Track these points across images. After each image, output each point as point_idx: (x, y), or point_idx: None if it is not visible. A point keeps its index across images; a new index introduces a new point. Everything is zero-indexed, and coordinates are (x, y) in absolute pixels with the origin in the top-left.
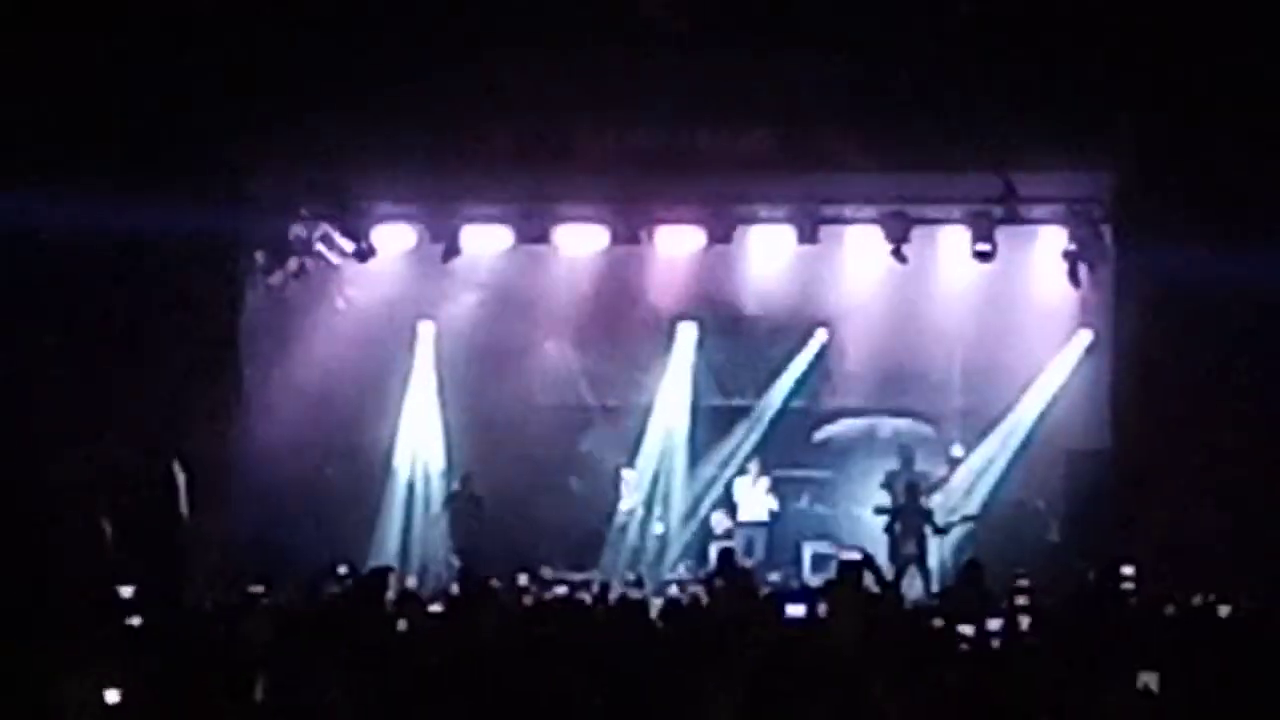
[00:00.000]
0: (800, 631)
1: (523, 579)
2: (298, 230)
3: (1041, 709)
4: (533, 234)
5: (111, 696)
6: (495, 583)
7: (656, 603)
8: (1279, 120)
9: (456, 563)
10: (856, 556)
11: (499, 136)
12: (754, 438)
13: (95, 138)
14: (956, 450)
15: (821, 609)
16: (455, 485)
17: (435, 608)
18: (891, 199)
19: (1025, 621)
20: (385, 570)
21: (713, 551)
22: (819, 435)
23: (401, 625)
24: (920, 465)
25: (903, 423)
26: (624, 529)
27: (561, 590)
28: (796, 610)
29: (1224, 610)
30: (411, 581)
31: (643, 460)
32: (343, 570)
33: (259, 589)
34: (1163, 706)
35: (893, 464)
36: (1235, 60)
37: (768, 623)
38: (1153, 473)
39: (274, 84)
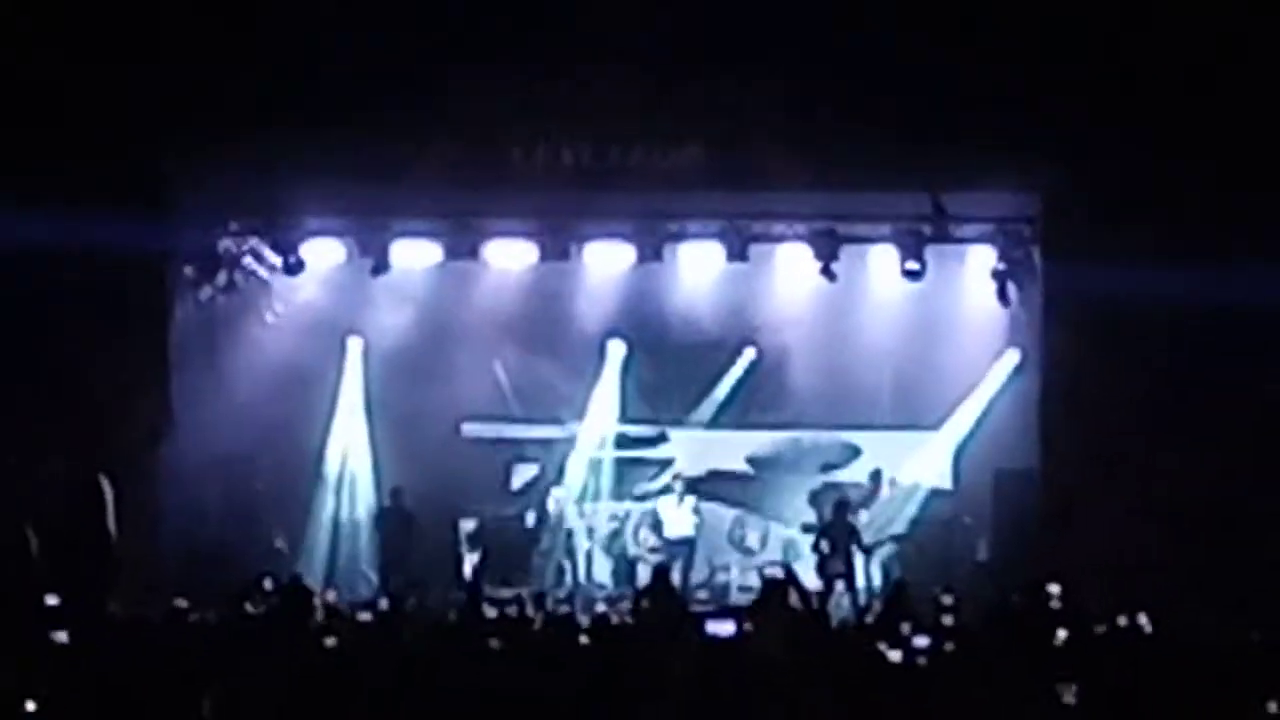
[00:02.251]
0: (726, 649)
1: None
2: (227, 244)
3: None
4: (462, 250)
5: (29, 706)
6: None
7: (585, 620)
8: (1204, 139)
9: (374, 578)
10: (780, 574)
11: (429, 151)
12: (682, 455)
13: (25, 150)
14: (880, 468)
15: (748, 627)
16: (386, 501)
17: (364, 617)
18: (821, 217)
19: (951, 640)
20: (307, 584)
21: (640, 569)
22: (747, 453)
23: (330, 641)
24: (846, 484)
25: (827, 441)
26: (552, 546)
27: (489, 607)
28: (724, 628)
29: (1149, 628)
30: (331, 595)
31: (571, 477)
32: (268, 585)
33: (183, 603)
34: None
35: (819, 482)
36: (1162, 80)
37: (693, 641)
38: (1080, 491)
39: (204, 96)
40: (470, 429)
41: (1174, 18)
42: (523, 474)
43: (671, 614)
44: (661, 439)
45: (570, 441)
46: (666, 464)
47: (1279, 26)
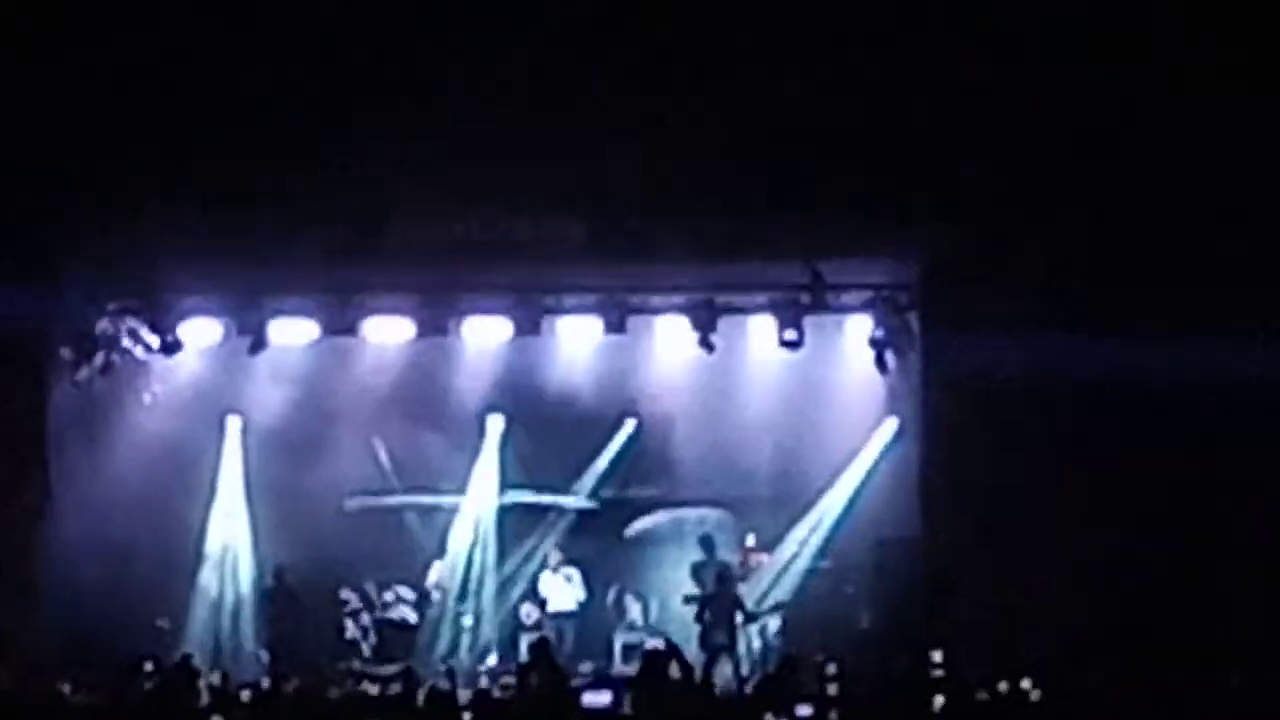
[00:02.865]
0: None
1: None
2: (104, 325)
3: None
4: (340, 326)
5: None
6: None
7: (466, 695)
8: (1086, 207)
9: (265, 657)
10: (661, 646)
11: (306, 229)
12: (562, 528)
13: None
14: (749, 540)
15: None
16: (269, 580)
17: (245, 696)
18: (699, 288)
19: (835, 709)
20: (191, 666)
21: (523, 642)
22: (629, 530)
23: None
24: (723, 555)
25: (707, 513)
26: (434, 621)
27: (370, 685)
28: (600, 699)
29: (1034, 694)
30: (215, 678)
31: (451, 552)
32: (149, 666)
33: (65, 686)
34: None
35: (700, 554)
36: (1037, 150)
37: (575, 713)
38: (960, 558)
39: (81, 175)
40: (352, 502)
41: (1057, 83)
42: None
43: (552, 687)
44: (542, 513)
45: (451, 513)
46: (547, 538)
47: (1165, 92)
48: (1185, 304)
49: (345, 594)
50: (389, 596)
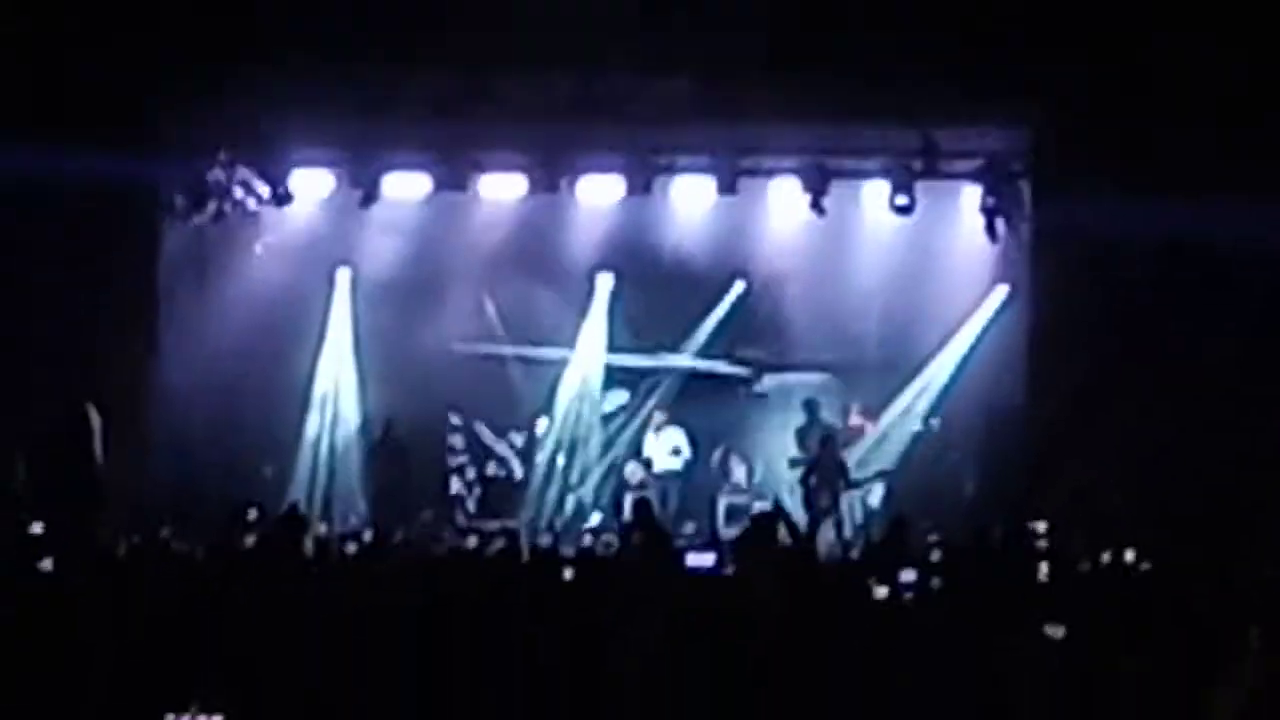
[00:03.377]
0: (708, 582)
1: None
2: (215, 174)
3: (950, 661)
4: (452, 181)
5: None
6: (404, 532)
7: (569, 552)
8: (1191, 77)
9: (362, 506)
10: (770, 509)
11: (418, 84)
12: (668, 388)
13: (13, 83)
14: (855, 408)
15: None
16: (378, 432)
17: (351, 549)
18: (810, 151)
19: (938, 575)
20: (298, 515)
21: (627, 502)
22: (740, 391)
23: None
24: (829, 419)
25: (814, 377)
26: (541, 478)
27: (474, 540)
28: (704, 561)
29: (1138, 566)
30: (321, 528)
31: (559, 409)
32: (253, 515)
33: (168, 533)
34: (1067, 655)
35: (805, 417)
36: (1151, 16)
37: (674, 574)
38: (1068, 429)
39: (190, 27)
40: (461, 347)
41: None
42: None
43: (654, 547)
44: (650, 372)
45: (559, 366)
46: (654, 397)
47: None
48: None
49: (453, 441)
50: (500, 447)
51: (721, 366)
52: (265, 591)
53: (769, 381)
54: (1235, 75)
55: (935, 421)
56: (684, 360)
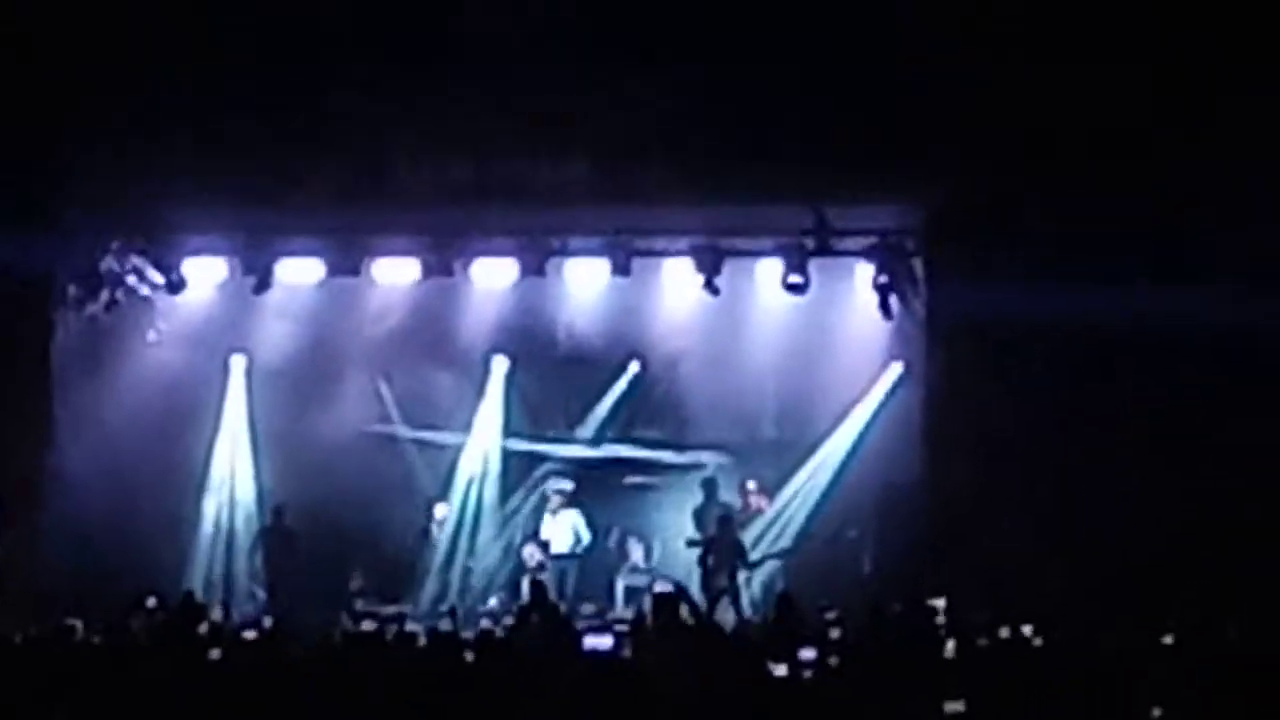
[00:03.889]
0: (606, 664)
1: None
2: (109, 263)
3: None
4: (346, 266)
5: None
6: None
7: (467, 635)
8: (1087, 157)
9: (261, 595)
10: (670, 589)
11: (312, 169)
12: (564, 470)
13: None
14: (750, 485)
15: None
16: (268, 519)
17: (249, 635)
18: (705, 231)
19: (837, 654)
20: (195, 603)
21: (525, 584)
22: (629, 480)
23: (214, 654)
24: (726, 498)
25: (710, 457)
26: (437, 562)
27: (370, 624)
28: (602, 643)
29: (1036, 640)
30: (217, 614)
31: (455, 492)
32: (151, 602)
33: (73, 622)
34: None
35: (702, 497)
36: (1045, 94)
37: (572, 656)
38: (965, 503)
39: (86, 114)
40: (359, 430)
41: (1061, 27)
42: (405, 488)
43: (550, 629)
44: (546, 454)
45: (454, 452)
46: (549, 479)
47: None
48: (1192, 254)
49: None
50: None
51: (618, 450)
52: (163, 679)
53: (668, 458)
54: (1131, 158)
55: (828, 509)
56: (579, 446)
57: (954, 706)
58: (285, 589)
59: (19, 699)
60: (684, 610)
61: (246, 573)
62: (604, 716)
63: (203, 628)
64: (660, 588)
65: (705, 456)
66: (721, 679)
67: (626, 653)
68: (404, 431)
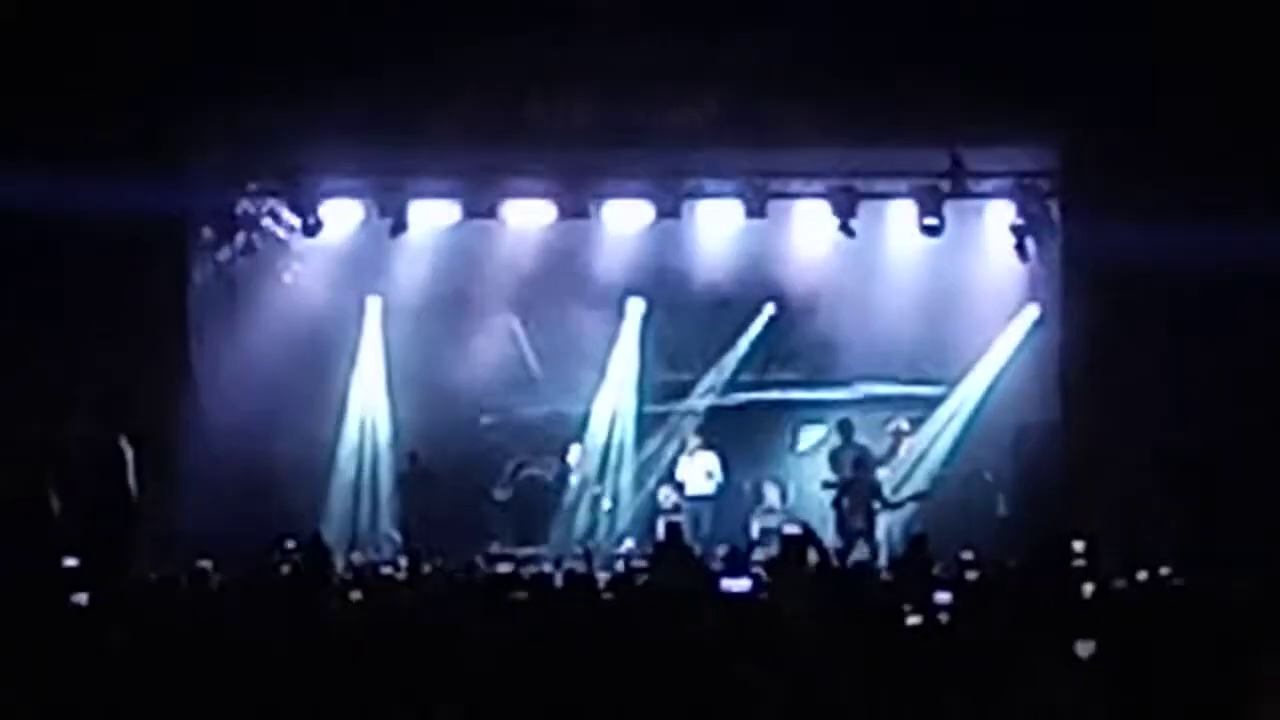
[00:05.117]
0: (742, 606)
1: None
2: (245, 205)
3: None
4: (481, 209)
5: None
6: (439, 559)
7: (603, 577)
8: (1224, 96)
9: (396, 536)
10: (799, 531)
11: (446, 112)
12: (700, 412)
13: (44, 114)
14: (901, 425)
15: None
16: (405, 464)
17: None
18: (839, 173)
19: (973, 596)
20: (322, 543)
21: (660, 526)
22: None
23: (355, 595)
24: (862, 440)
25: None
26: (573, 504)
27: (507, 566)
28: (739, 585)
29: (1175, 582)
30: (357, 556)
31: (591, 435)
32: (289, 545)
33: (206, 564)
34: (1095, 674)
35: (839, 439)
36: (1185, 36)
37: (709, 597)
38: (1101, 446)
39: (219, 58)
40: (494, 372)
41: None
42: (542, 429)
43: (686, 571)
44: (681, 396)
45: (591, 399)
46: (686, 420)
47: None
48: None
49: (486, 467)
50: (533, 472)
51: (754, 393)
52: (299, 617)
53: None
54: (1268, 94)
55: (989, 476)
56: (718, 383)
57: (1086, 647)
58: (422, 531)
59: (153, 639)
60: (811, 552)
61: (386, 516)
62: (740, 657)
63: (337, 568)
64: (789, 529)
65: (842, 396)
66: (852, 621)
67: (764, 595)
68: (540, 373)
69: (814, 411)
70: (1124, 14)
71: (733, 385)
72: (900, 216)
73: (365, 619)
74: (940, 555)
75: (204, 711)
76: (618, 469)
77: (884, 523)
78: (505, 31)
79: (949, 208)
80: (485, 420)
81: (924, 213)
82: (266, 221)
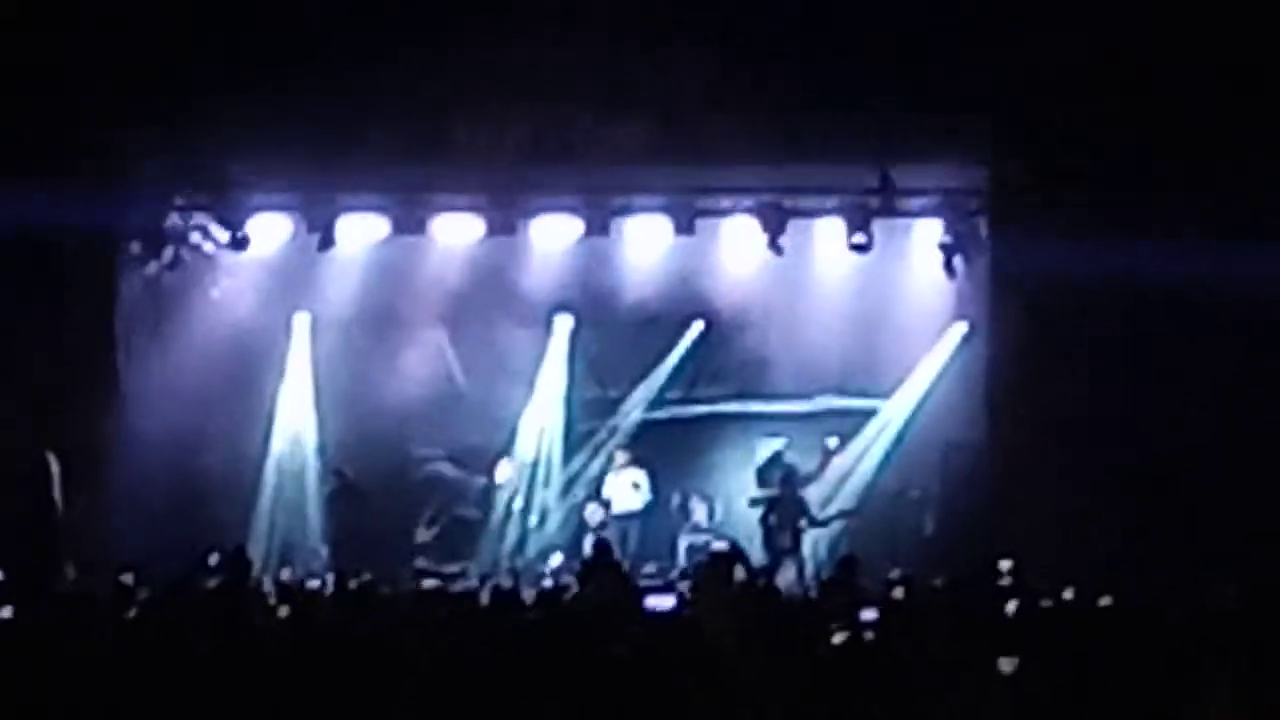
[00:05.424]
0: (667, 624)
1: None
2: (173, 220)
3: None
4: (409, 224)
5: None
6: (366, 575)
7: (529, 594)
8: (1151, 112)
9: (324, 552)
10: (726, 548)
11: (375, 127)
12: (627, 428)
13: None
14: (831, 442)
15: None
16: (332, 478)
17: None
18: (768, 190)
19: (899, 615)
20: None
21: (587, 543)
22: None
23: (283, 611)
24: (792, 458)
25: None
26: (499, 520)
27: (432, 582)
28: (664, 603)
29: (1101, 602)
30: (285, 573)
31: (518, 451)
32: (214, 560)
33: (129, 578)
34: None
35: (765, 456)
36: (1109, 51)
37: (634, 615)
38: (1028, 464)
39: (150, 70)
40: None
41: None
42: (469, 446)
43: (613, 588)
44: (608, 413)
45: (517, 416)
46: (612, 438)
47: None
48: (1259, 212)
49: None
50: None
51: (680, 409)
52: (222, 631)
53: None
54: (1197, 114)
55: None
56: (644, 401)
57: (1009, 663)
58: (350, 547)
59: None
60: (739, 570)
61: (314, 531)
62: (664, 675)
63: (264, 582)
64: (716, 547)
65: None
66: (777, 640)
67: (688, 613)
68: (467, 390)
69: (743, 426)
70: (1052, 31)
71: (660, 402)
72: (829, 234)
73: (291, 634)
74: (867, 573)
75: None
76: (545, 485)
77: (810, 540)
78: (434, 47)
79: (877, 225)
80: (412, 435)
81: (852, 230)
82: (194, 236)
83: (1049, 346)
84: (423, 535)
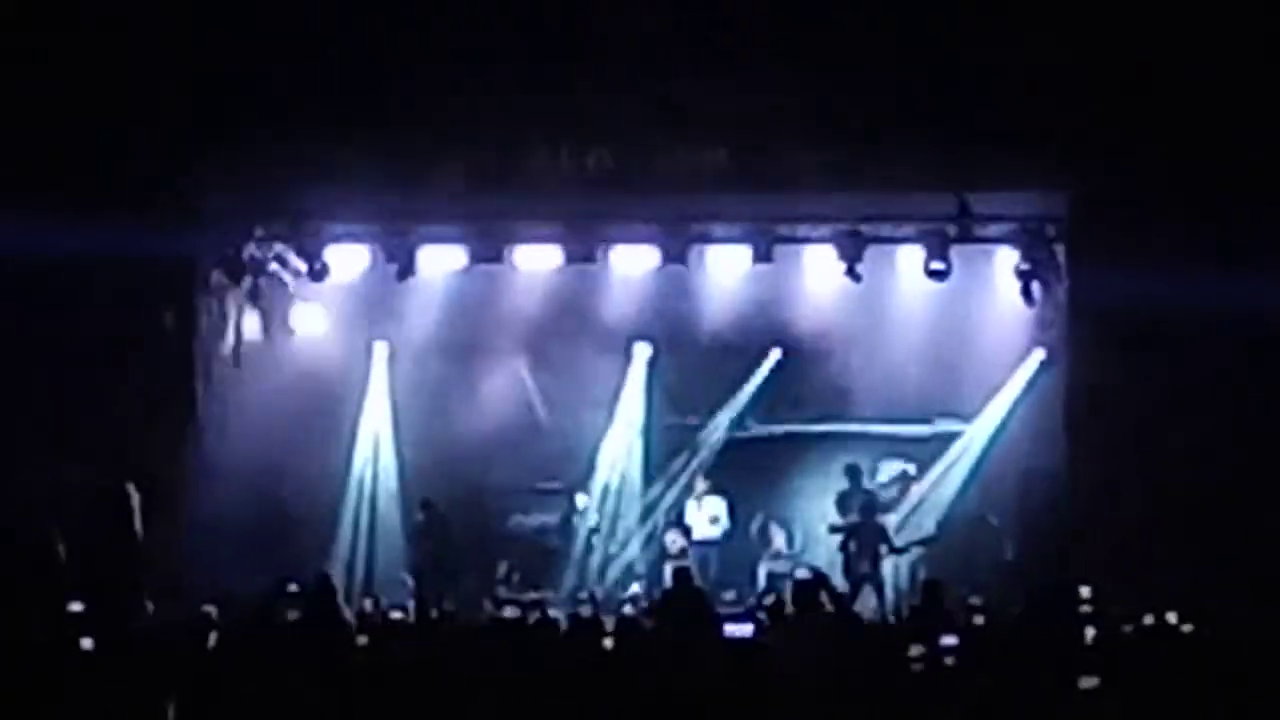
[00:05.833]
0: (745, 651)
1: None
2: (252, 250)
3: None
4: (488, 254)
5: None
6: (448, 604)
7: (608, 622)
8: (1231, 142)
9: (410, 582)
10: (810, 576)
11: (453, 157)
12: (706, 456)
13: (49, 160)
14: (909, 469)
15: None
16: (419, 515)
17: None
18: (846, 218)
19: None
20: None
21: (667, 571)
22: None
23: (362, 640)
24: (869, 484)
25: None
26: (579, 549)
27: (513, 611)
28: (742, 630)
29: (1183, 628)
30: (368, 604)
31: (597, 480)
32: (293, 589)
33: (210, 609)
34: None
35: (846, 483)
36: (1190, 80)
37: (713, 645)
38: (1106, 490)
39: (229, 103)
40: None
41: (1208, 19)
42: (548, 474)
43: (693, 616)
44: (687, 441)
45: (597, 444)
46: (691, 465)
47: None
48: None
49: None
50: (541, 517)
51: (763, 431)
52: (305, 662)
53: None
54: (1275, 149)
55: (994, 520)
56: (723, 428)
57: (1089, 683)
58: (434, 577)
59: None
60: (824, 597)
61: (396, 560)
62: (742, 703)
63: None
64: (800, 574)
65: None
66: (858, 667)
67: (766, 640)
68: (546, 418)
69: (822, 452)
70: (1133, 60)
71: (740, 428)
72: (907, 261)
73: (373, 664)
74: (949, 599)
75: None
76: (624, 513)
77: (889, 566)
78: (513, 77)
79: (955, 252)
80: (492, 464)
81: (930, 257)
82: (273, 265)
83: (1127, 374)
84: (503, 565)
